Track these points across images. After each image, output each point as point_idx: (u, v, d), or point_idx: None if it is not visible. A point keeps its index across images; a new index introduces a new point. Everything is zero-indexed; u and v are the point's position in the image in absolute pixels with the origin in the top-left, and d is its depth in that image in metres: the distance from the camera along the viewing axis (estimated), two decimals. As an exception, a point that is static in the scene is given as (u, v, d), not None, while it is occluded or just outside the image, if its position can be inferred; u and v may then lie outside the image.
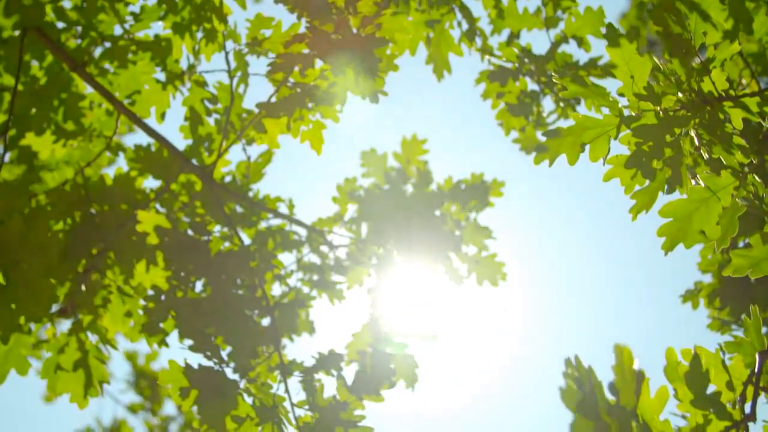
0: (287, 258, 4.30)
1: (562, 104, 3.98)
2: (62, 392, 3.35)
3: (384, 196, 4.35)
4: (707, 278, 3.97)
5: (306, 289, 4.14)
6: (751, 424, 2.03)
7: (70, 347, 3.39)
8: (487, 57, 3.96)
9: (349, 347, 4.03)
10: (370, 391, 3.21)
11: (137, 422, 8.82)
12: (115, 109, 3.64)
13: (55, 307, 3.42)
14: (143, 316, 3.48)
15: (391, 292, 4.06)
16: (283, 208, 4.15)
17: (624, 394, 1.71)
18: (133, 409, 8.82)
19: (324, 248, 4.21)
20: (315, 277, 4.10)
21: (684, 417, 1.98)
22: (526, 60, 3.97)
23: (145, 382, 8.81)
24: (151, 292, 3.42)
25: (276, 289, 4.12)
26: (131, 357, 8.78)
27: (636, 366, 1.74)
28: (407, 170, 4.59)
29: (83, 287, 3.47)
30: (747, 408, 2.04)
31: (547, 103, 4.29)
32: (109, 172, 3.78)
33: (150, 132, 3.57)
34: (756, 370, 2.00)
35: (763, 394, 2.10)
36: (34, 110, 3.64)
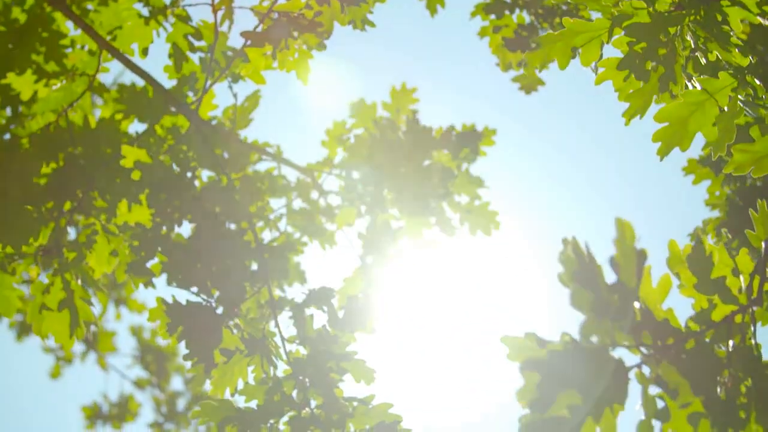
0: (276, 203, 4.21)
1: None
2: (47, 333, 3.26)
3: (374, 142, 4.24)
4: (715, 215, 3.86)
5: (297, 234, 4.05)
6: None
7: (55, 287, 3.30)
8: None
9: (341, 293, 3.93)
10: (361, 324, 3.12)
11: (144, 397, 8.78)
12: (98, 47, 3.55)
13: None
14: (129, 255, 3.39)
15: (383, 235, 3.95)
16: (271, 156, 4.05)
17: (624, 271, 1.61)
18: (140, 384, 8.77)
19: (314, 194, 4.11)
20: (304, 220, 4.00)
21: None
22: (521, -8, 3.87)
23: (152, 357, 8.76)
24: (136, 230, 3.33)
25: (265, 235, 4.03)
26: (137, 331, 8.72)
27: (638, 245, 1.63)
28: (397, 120, 4.48)
29: (68, 227, 3.39)
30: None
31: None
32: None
33: (132, 67, 3.48)
34: (762, 256, 1.90)
35: None
36: (14, 51, 3.54)
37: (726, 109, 2.40)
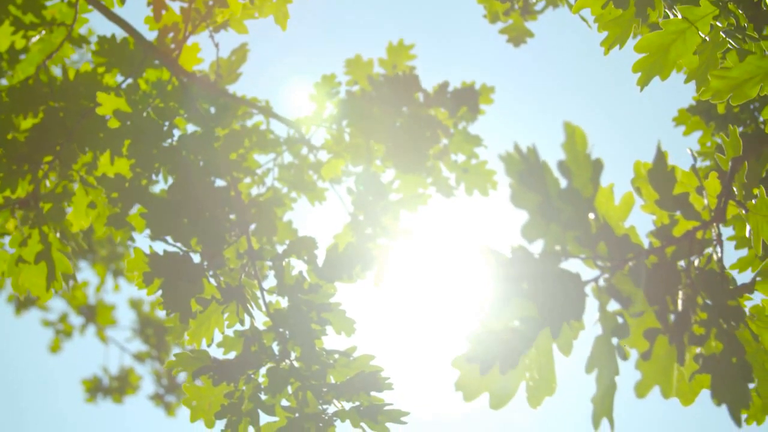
0: (264, 159, 4.12)
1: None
2: (24, 286, 3.21)
3: (367, 97, 4.16)
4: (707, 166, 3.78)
5: (285, 190, 3.97)
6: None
7: (33, 240, 3.25)
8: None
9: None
10: (342, 274, 3.05)
11: (145, 370, 8.76)
12: (75, -4, 3.49)
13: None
14: (107, 208, 3.33)
15: (372, 187, 3.87)
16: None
17: (577, 177, 1.52)
18: (140, 357, 8.75)
19: (303, 150, 4.03)
20: (293, 175, 3.93)
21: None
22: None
23: (151, 330, 8.73)
24: (114, 181, 3.27)
25: (253, 191, 3.96)
26: (136, 305, 8.70)
27: (591, 152, 1.55)
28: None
29: (45, 180, 3.34)
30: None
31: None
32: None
33: (111, 16, 3.42)
34: (729, 175, 1.82)
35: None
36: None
37: (708, 39, 2.33)
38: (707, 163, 3.73)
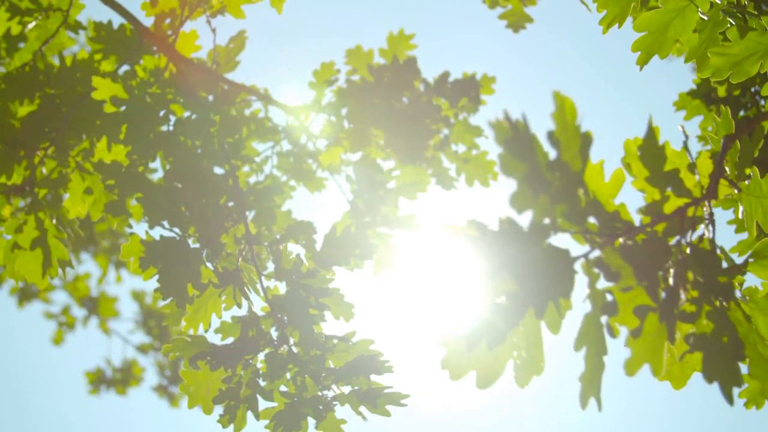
0: (262, 147, 4.08)
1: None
2: (20, 272, 3.19)
3: (367, 87, 4.13)
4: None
5: (284, 178, 3.95)
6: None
7: (28, 226, 3.23)
8: None
9: (329, 236, 3.82)
10: (340, 259, 3.03)
11: (148, 362, 8.76)
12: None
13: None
14: (104, 194, 3.32)
15: (371, 174, 3.84)
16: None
17: (566, 150, 1.49)
18: (143, 348, 8.75)
19: (302, 139, 4.00)
20: (292, 164, 3.90)
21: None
22: None
23: (154, 322, 8.72)
24: (111, 167, 3.24)
25: (252, 180, 3.94)
26: (138, 296, 8.69)
27: (581, 124, 1.52)
28: (394, 66, 4.34)
29: (42, 168, 3.32)
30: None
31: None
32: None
33: (106, 0, 3.39)
34: (720, 153, 1.80)
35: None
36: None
37: (707, 17, 2.30)
38: (708, 147, 3.69)
